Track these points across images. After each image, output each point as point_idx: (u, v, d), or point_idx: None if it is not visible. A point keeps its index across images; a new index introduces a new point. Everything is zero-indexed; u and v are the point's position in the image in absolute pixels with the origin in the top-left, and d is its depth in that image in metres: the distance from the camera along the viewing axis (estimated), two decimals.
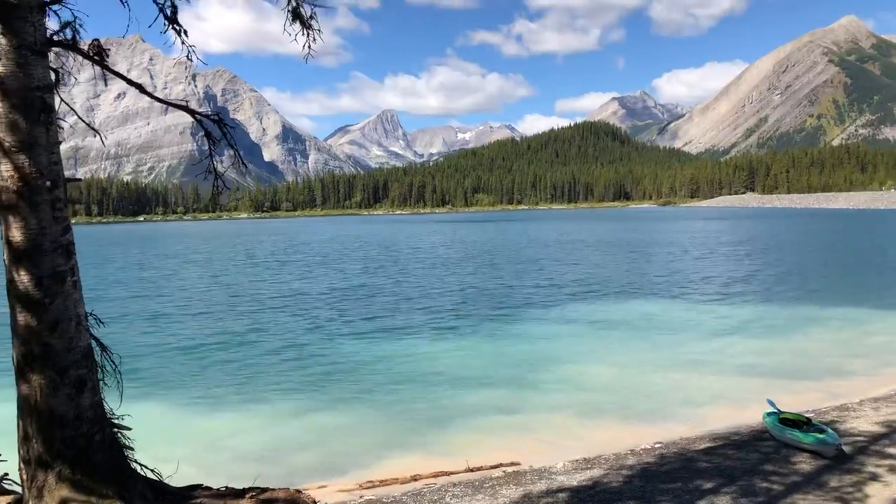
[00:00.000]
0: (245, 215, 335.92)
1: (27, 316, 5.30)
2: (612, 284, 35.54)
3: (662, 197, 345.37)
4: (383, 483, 10.85)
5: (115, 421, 5.76)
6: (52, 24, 5.52)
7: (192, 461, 11.29)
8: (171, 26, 6.18)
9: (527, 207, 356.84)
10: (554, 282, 37.26)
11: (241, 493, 5.91)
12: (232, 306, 30.69)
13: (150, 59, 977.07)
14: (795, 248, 59.76)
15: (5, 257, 5.33)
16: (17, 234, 5.24)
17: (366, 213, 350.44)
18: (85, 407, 5.48)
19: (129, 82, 5.81)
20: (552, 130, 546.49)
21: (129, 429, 5.83)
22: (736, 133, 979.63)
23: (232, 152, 6.29)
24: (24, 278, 5.27)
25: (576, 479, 10.06)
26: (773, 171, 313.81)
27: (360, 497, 10.32)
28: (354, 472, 11.38)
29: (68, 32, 5.47)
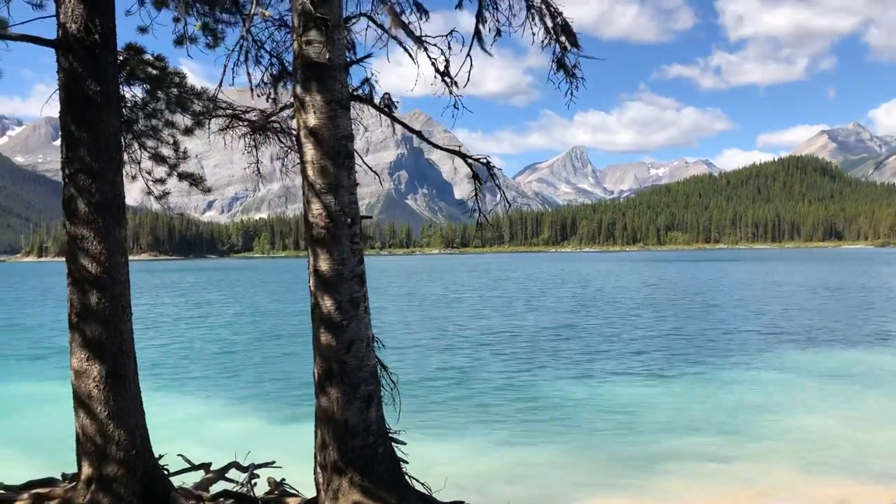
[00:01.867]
0: (437, 251, 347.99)
1: (328, 336, 6.04)
2: (833, 331, 32.85)
3: (880, 237, 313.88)
4: None
5: (393, 435, 6.34)
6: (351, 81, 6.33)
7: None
8: (442, 78, 6.84)
9: (725, 246, 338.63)
10: (769, 327, 35.11)
11: None
12: (441, 339, 31.98)
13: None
14: None
15: (311, 284, 6.12)
16: (323, 265, 6.01)
17: (553, 250, 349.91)
18: (372, 420, 6.11)
19: (412, 130, 6.49)
20: (754, 165, 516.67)
21: (404, 443, 6.39)
22: None
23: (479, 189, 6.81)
24: (327, 303, 6.02)
25: None
26: None
27: None
28: None
29: (365, 88, 6.24)
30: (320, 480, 6.09)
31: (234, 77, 5.56)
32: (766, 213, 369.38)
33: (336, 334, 6.00)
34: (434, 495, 6.44)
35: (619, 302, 51.53)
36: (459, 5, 5.73)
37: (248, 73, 5.84)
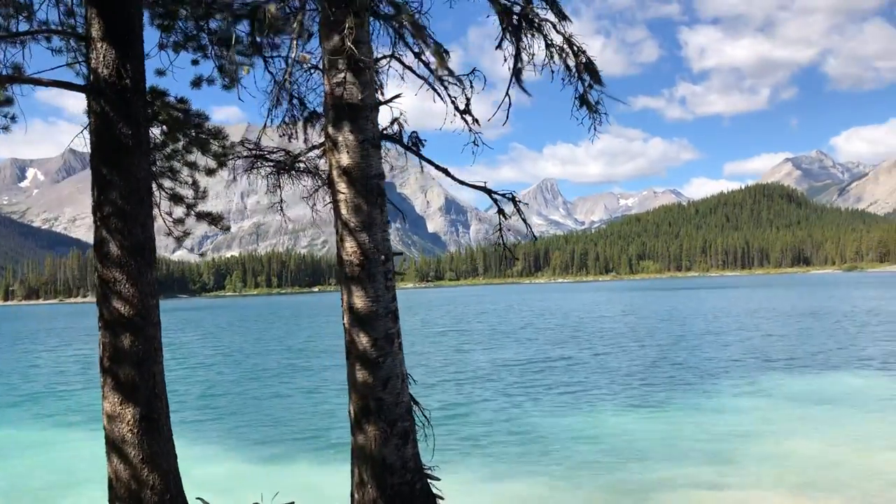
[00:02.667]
0: (411, 285, 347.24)
1: (364, 373, 6.06)
2: (813, 356, 33.30)
3: (847, 262, 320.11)
4: None
5: (428, 471, 6.34)
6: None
7: None
8: (462, 116, 6.98)
9: (697, 274, 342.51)
10: (750, 353, 35.49)
11: None
12: (435, 374, 31.84)
13: None
14: None
15: (345, 321, 6.15)
16: (357, 302, 6.05)
17: (527, 281, 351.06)
18: (408, 457, 6.11)
19: (439, 168, 6.60)
20: (721, 194, 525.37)
21: (439, 479, 6.39)
22: None
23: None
24: (362, 340, 6.05)
25: None
26: None
27: None
28: None
29: (394, 127, 6.35)
30: None
31: (269, 120, 5.64)
32: (735, 241, 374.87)
33: (372, 371, 6.02)
34: None
35: (603, 332, 51.79)
36: (499, 46, 5.87)
37: (275, 115, 5.91)
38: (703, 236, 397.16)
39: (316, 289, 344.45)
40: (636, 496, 13.86)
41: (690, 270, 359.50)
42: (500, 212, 6.67)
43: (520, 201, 6.58)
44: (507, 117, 6.08)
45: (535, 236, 6.89)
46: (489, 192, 6.63)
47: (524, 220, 6.58)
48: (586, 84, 6.24)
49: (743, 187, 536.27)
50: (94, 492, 12.87)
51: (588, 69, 6.26)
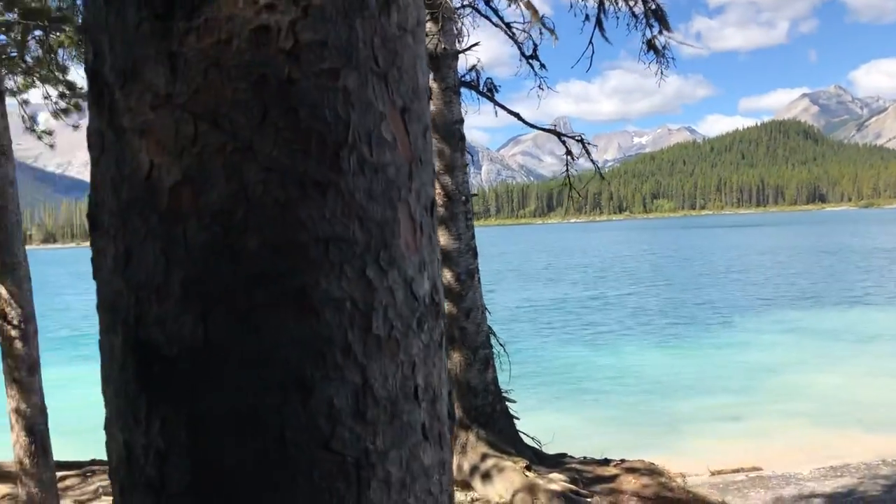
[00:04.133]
0: None
1: (449, 305, 6.57)
2: (835, 292, 33.74)
3: (863, 198, 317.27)
4: None
5: (505, 394, 6.90)
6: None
7: None
8: (528, 61, 7.31)
9: (711, 213, 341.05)
10: (772, 290, 36.01)
11: (604, 462, 6.82)
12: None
13: None
14: None
15: None
16: (441, 240, 6.52)
17: (540, 222, 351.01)
18: (489, 381, 6.67)
19: (511, 113, 6.97)
20: (737, 131, 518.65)
21: (514, 402, 6.95)
22: None
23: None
24: (446, 275, 6.54)
25: (828, 487, 9.97)
26: None
27: None
28: None
29: (472, 74, 6.70)
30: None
31: None
32: (750, 178, 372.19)
33: (456, 303, 6.53)
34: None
35: (628, 272, 52.31)
36: None
37: None
38: (718, 174, 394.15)
39: None
40: (665, 427, 14.47)
41: (705, 209, 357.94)
42: (568, 153, 7.04)
43: (589, 143, 6.95)
44: (591, 64, 6.41)
45: (602, 175, 7.26)
46: (559, 134, 7.00)
47: (592, 161, 6.95)
48: (655, 30, 6.53)
49: (759, 124, 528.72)
50: None
51: (656, 15, 6.54)
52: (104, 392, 1.06)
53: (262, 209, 0.90)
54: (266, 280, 0.90)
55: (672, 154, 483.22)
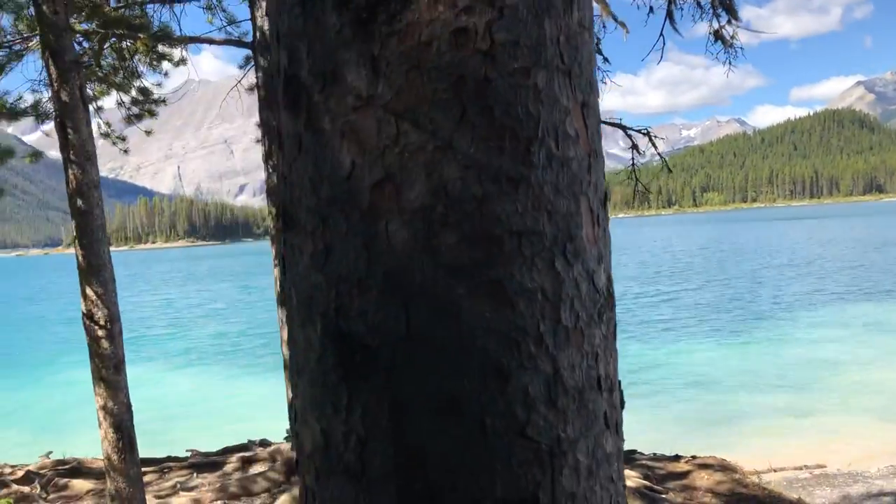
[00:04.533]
0: None
1: None
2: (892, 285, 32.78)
3: None
4: None
5: None
6: None
7: None
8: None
9: (763, 205, 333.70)
10: (831, 284, 35.11)
11: (674, 459, 6.74)
12: None
13: None
14: None
15: None
16: None
17: None
18: None
19: None
20: (788, 121, 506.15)
21: None
22: None
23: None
24: None
25: None
26: None
27: None
28: None
29: None
30: None
31: None
32: (803, 170, 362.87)
33: None
34: None
35: (684, 267, 51.63)
36: None
37: None
38: (770, 166, 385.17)
39: None
40: (726, 422, 14.24)
41: (756, 201, 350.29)
42: (634, 146, 6.98)
43: (656, 136, 6.88)
44: (661, 56, 6.33)
45: (669, 168, 7.18)
46: (624, 128, 6.94)
47: (658, 153, 6.88)
48: (724, 20, 6.43)
49: (811, 113, 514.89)
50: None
51: (723, 5, 6.44)
52: (294, 383, 1.11)
53: (460, 205, 0.93)
54: (464, 272, 0.93)
55: (722, 146, 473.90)
